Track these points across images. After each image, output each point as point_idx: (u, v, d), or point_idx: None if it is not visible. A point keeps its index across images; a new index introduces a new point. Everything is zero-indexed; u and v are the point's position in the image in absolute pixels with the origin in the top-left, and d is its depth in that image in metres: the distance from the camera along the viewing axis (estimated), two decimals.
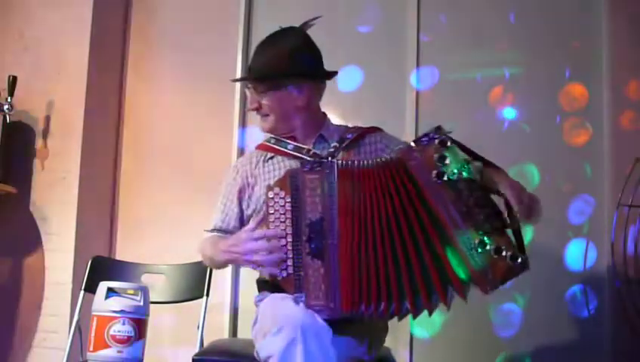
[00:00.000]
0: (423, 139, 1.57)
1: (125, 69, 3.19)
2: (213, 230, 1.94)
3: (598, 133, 2.67)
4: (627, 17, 2.67)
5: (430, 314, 1.56)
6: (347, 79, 2.91)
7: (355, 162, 1.64)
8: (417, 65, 2.85)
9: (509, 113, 2.78)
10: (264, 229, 1.65)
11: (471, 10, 2.85)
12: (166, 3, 3.20)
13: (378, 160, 1.63)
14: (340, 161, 1.66)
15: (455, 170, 1.51)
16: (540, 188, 2.68)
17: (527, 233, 2.65)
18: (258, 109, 1.89)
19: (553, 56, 2.74)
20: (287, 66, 1.85)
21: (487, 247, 1.49)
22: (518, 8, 2.81)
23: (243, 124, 2.99)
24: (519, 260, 1.49)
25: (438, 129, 1.57)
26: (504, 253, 1.49)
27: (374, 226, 1.57)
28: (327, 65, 1.94)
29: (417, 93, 2.83)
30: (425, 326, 2.69)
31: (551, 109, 2.72)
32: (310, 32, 1.94)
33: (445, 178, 1.52)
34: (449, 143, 1.53)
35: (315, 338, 1.49)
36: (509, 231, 1.53)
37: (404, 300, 1.55)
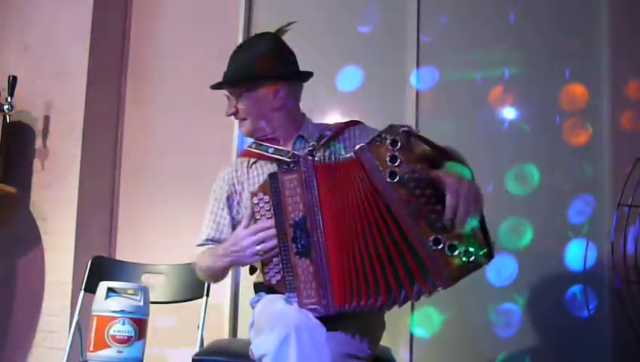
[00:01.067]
0: (376, 138, 1.57)
1: (125, 69, 3.20)
2: (207, 240, 1.94)
3: (598, 133, 2.67)
4: (627, 17, 2.67)
5: (400, 305, 1.57)
6: (347, 79, 2.91)
7: (331, 157, 1.66)
8: (417, 65, 2.84)
9: (509, 113, 2.78)
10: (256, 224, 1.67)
11: (471, 10, 2.85)
12: (166, 3, 3.20)
13: (338, 158, 1.63)
14: (316, 158, 1.66)
15: (406, 170, 1.52)
16: (540, 188, 2.69)
17: (528, 233, 2.66)
18: (235, 114, 1.92)
19: (553, 56, 2.74)
20: (258, 69, 1.88)
21: (440, 245, 1.50)
22: (518, 8, 2.81)
23: None
24: (472, 258, 1.49)
25: (391, 127, 1.57)
26: (457, 251, 1.50)
27: (354, 222, 1.58)
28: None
29: (417, 93, 2.83)
30: (425, 326, 2.69)
31: (551, 109, 2.72)
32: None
33: (397, 178, 1.53)
34: (399, 144, 1.54)
35: (309, 336, 1.50)
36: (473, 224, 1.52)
37: (379, 295, 1.56)
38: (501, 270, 2.66)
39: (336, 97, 2.88)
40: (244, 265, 1.80)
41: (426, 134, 2.69)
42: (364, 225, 1.57)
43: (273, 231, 1.64)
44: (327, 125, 1.96)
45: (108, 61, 3.11)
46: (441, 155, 1.61)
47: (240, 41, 3.00)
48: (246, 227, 1.71)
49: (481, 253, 1.49)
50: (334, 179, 1.61)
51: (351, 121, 1.96)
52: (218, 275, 1.91)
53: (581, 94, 2.71)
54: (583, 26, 2.74)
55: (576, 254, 2.62)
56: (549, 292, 2.62)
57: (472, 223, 1.51)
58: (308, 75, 1.96)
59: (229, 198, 1.93)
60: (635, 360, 2.42)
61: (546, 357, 2.60)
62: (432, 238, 1.51)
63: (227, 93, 1.95)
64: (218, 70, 3.15)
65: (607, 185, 2.61)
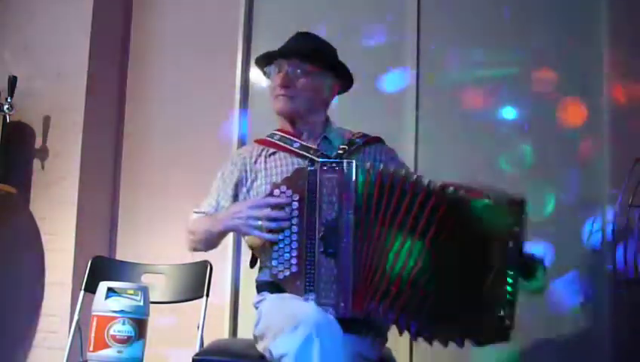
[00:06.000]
0: (519, 207, 1.59)
1: (125, 68, 3.19)
2: (204, 213, 1.93)
3: (599, 133, 2.67)
4: (627, 18, 2.67)
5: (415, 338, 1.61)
6: None
7: (382, 167, 1.66)
8: (417, 65, 2.84)
9: (509, 113, 2.78)
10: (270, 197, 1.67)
11: (471, 10, 2.85)
12: (166, 3, 3.20)
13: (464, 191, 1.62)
14: (364, 165, 1.67)
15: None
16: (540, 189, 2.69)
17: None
18: (288, 87, 1.86)
19: (553, 56, 2.74)
20: (334, 59, 1.93)
21: (502, 314, 1.56)
22: (518, 8, 2.81)
23: (243, 123, 2.99)
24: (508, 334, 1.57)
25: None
26: (505, 324, 1.57)
27: (396, 236, 1.59)
28: None
29: (417, 94, 2.83)
30: None
31: (551, 109, 2.72)
32: (307, 28, 1.98)
33: (512, 245, 1.56)
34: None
35: (330, 338, 1.49)
36: None
37: (410, 319, 1.59)
38: None
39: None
40: (243, 234, 1.79)
41: (427, 134, 2.71)
42: (417, 248, 1.58)
43: (284, 214, 1.64)
44: (351, 132, 1.97)
45: (108, 61, 3.11)
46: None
47: (240, 40, 3.01)
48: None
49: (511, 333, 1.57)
50: (382, 190, 1.61)
51: (376, 136, 1.97)
52: (213, 241, 1.88)
53: (581, 94, 2.71)
54: (583, 26, 2.74)
55: (576, 254, 2.62)
56: (548, 293, 2.62)
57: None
58: (350, 86, 2.00)
59: (237, 184, 1.91)
60: (635, 360, 2.42)
61: (545, 357, 2.60)
62: (504, 300, 1.55)
63: (282, 64, 1.89)
64: (219, 69, 3.16)
65: (607, 186, 2.61)
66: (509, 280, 1.55)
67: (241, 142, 2.95)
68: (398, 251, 1.58)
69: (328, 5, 2.98)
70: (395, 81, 2.87)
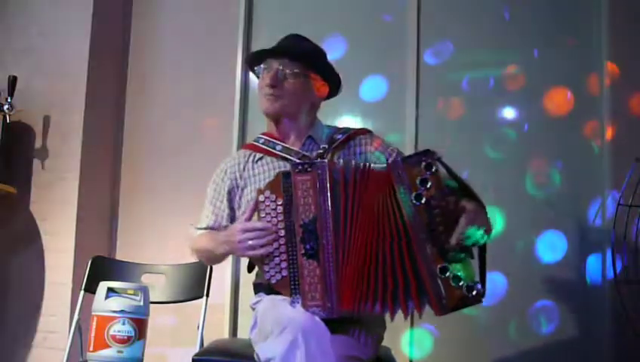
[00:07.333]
0: (412, 158, 1.61)
1: (125, 69, 3.19)
2: (206, 228, 1.94)
3: (599, 132, 2.67)
4: (627, 17, 2.67)
5: (393, 318, 1.60)
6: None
7: (346, 164, 1.66)
8: (417, 65, 2.84)
9: (509, 113, 2.78)
10: (256, 221, 1.67)
11: (471, 10, 2.85)
12: (166, 3, 3.20)
13: (370, 167, 1.65)
14: (339, 163, 1.67)
15: (433, 196, 1.56)
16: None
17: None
18: (275, 87, 1.85)
19: (553, 56, 2.74)
20: (324, 61, 1.93)
21: (447, 274, 1.54)
22: (517, 8, 2.81)
23: (243, 123, 2.99)
24: (474, 292, 1.54)
25: (427, 152, 1.60)
26: (461, 283, 1.54)
27: (367, 231, 1.60)
28: None
29: (417, 94, 2.83)
30: (425, 326, 2.68)
31: (550, 109, 2.72)
32: (309, 30, 1.97)
33: (422, 201, 1.57)
34: (434, 168, 1.58)
35: (316, 341, 1.50)
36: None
37: (377, 303, 1.58)
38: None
39: (336, 99, 2.88)
40: (239, 256, 1.80)
41: (427, 134, 2.71)
42: (377, 236, 1.59)
43: (272, 230, 1.64)
44: (337, 128, 1.97)
45: (108, 61, 3.11)
46: (463, 191, 1.64)
47: (240, 40, 3.01)
48: (247, 220, 1.70)
49: (481, 290, 1.55)
50: (353, 185, 1.62)
51: (361, 128, 1.96)
52: (217, 259, 1.91)
53: (581, 94, 2.71)
54: (583, 26, 2.74)
55: (576, 255, 2.62)
56: (547, 294, 2.62)
57: (476, 236, 1.56)
58: (338, 91, 2.00)
59: (230, 192, 1.92)
60: (635, 360, 2.42)
61: (546, 358, 2.60)
62: (440, 266, 1.54)
63: (272, 64, 1.87)
64: (219, 69, 3.16)
65: (607, 185, 2.61)
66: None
67: (242, 143, 2.95)
68: (376, 243, 1.59)
69: (328, 6, 2.99)
70: (395, 81, 2.87)
